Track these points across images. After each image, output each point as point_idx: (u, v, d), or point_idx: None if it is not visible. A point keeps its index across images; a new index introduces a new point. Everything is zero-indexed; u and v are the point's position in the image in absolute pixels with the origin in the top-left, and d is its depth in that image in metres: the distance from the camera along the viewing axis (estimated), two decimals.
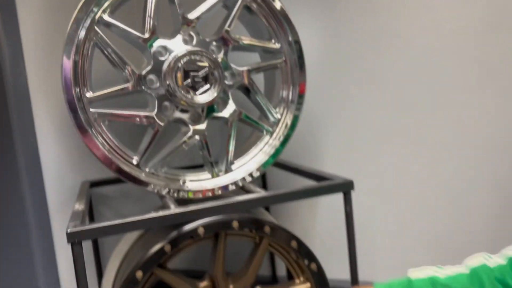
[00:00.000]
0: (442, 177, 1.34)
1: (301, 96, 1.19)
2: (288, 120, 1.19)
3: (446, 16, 1.26)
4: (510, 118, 1.24)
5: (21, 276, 1.14)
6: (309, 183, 1.21)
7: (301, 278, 1.18)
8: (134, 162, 1.07)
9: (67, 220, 1.18)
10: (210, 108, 1.11)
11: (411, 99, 1.34)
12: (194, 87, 1.07)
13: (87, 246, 1.33)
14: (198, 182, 1.13)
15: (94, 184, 1.36)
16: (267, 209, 1.58)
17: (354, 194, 1.14)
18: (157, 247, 1.03)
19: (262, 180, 1.59)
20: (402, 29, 1.32)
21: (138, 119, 1.06)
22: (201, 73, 1.07)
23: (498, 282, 0.78)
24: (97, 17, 1.00)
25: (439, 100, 1.31)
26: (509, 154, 1.26)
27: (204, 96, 1.07)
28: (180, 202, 1.08)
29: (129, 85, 1.04)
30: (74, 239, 0.88)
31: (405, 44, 1.32)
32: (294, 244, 1.13)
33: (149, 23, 1.04)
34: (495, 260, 0.81)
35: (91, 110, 1.01)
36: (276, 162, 1.38)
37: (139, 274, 1.02)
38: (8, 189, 1.13)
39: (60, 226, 1.23)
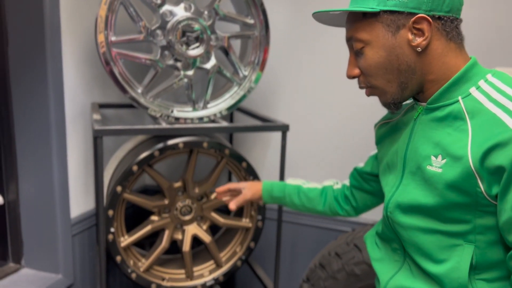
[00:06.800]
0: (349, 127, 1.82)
1: (264, 61, 1.60)
2: (253, 77, 1.60)
3: None
4: None
5: (40, 164, 1.53)
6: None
7: None
8: (139, 91, 1.48)
9: (77, 129, 1.58)
10: (197, 60, 1.51)
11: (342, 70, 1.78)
12: (188, 44, 1.47)
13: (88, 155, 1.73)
14: (182, 112, 1.55)
15: (101, 106, 1.76)
16: (230, 140, 2.03)
17: (291, 134, 1.59)
18: (149, 151, 1.47)
19: (230, 121, 2.03)
20: None
21: (145, 60, 1.46)
22: (194, 34, 1.47)
23: (334, 199, 1.15)
24: None
25: None
26: None
27: (194, 51, 1.48)
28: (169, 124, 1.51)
29: (141, 35, 1.43)
30: (99, 134, 1.30)
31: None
32: (244, 164, 1.58)
33: None
34: (338, 185, 1.16)
35: (113, 49, 1.40)
36: (239, 107, 1.82)
37: (134, 168, 1.45)
38: (38, 100, 1.48)
39: (71, 131, 1.59)
